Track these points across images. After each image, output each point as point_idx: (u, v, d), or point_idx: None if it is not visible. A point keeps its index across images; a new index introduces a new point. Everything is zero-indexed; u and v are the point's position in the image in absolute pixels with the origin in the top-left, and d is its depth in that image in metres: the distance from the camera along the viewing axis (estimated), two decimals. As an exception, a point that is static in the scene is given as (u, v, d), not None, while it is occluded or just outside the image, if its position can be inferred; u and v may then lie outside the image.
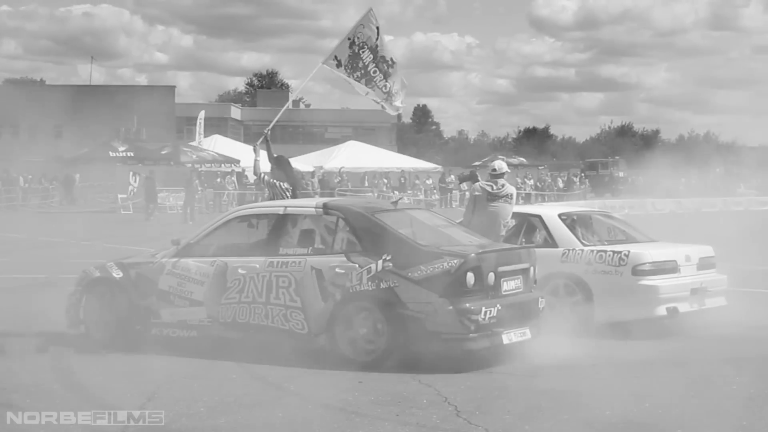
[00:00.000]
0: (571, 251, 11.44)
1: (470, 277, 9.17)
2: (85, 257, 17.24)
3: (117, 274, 10.61)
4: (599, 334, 10.71)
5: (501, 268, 9.53)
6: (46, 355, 9.98)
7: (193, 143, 53.07)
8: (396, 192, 45.70)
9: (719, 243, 12.84)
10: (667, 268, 11.28)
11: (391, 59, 13.19)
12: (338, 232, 9.89)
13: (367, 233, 9.64)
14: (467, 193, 12.48)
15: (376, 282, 9.29)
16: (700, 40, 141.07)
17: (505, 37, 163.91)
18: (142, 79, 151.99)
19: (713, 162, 58.95)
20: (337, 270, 9.49)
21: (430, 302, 9.08)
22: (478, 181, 12.38)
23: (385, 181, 51.10)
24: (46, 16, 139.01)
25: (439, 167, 57.48)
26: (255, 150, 12.66)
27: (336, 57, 13.13)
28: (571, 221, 11.92)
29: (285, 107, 15.08)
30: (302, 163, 48.42)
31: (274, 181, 12.06)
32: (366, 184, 50.48)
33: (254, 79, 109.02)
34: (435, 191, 51.87)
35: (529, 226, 12.04)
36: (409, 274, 9.19)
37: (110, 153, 46.88)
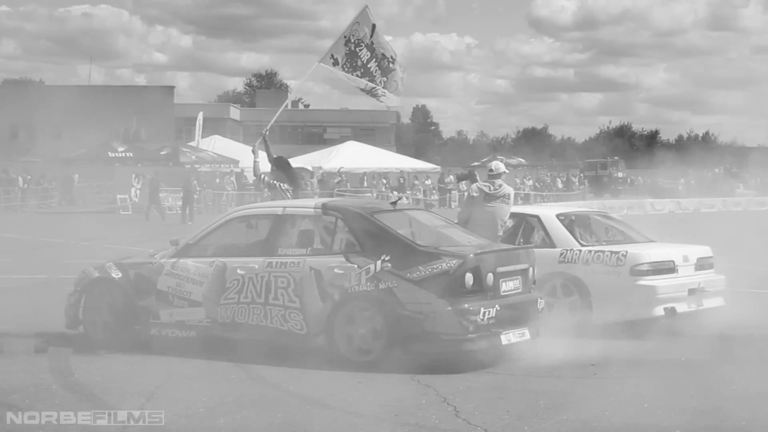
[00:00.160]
0: (569, 252, 11.45)
1: (469, 278, 9.18)
2: (84, 257, 17.24)
3: (116, 274, 10.62)
4: (597, 334, 10.71)
5: (500, 269, 9.54)
6: (45, 356, 9.99)
7: (192, 144, 53.05)
8: (395, 192, 45.69)
9: (718, 243, 12.86)
10: (665, 268, 11.29)
11: (392, 57, 13.17)
12: (337, 232, 9.90)
13: (365, 234, 9.65)
14: (466, 192, 12.49)
15: (374, 282, 9.30)
16: (699, 40, 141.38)
17: (505, 38, 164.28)
18: (141, 80, 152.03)
19: (712, 162, 59.02)
20: (335, 270, 9.50)
21: (428, 303, 9.08)
22: (476, 179, 12.40)
23: (384, 181, 51.10)
24: (45, 17, 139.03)
25: (438, 168, 57.48)
26: (254, 151, 12.67)
27: (332, 56, 13.12)
28: (569, 222, 11.93)
29: (282, 107, 15.08)
30: (301, 163, 48.39)
31: (275, 181, 12.06)
32: (365, 184, 50.47)
33: (253, 79, 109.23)
34: (434, 191, 51.88)
35: (527, 227, 12.05)
36: (408, 274, 9.20)
37: (109, 153, 46.88)
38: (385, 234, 9.57)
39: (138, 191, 42.60)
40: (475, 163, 58.82)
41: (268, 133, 12.75)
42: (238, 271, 9.93)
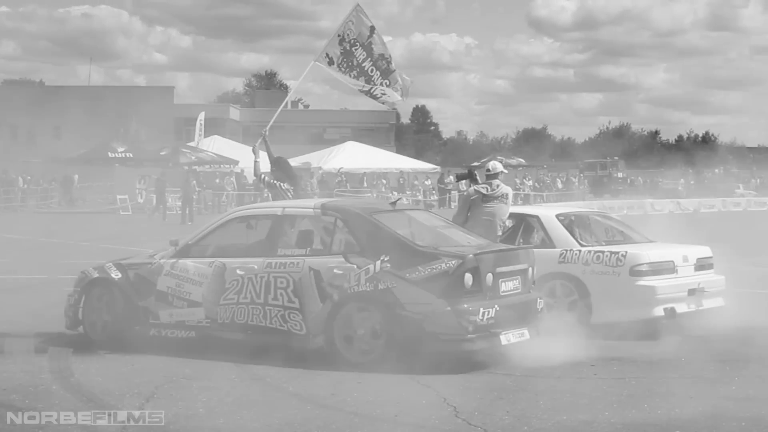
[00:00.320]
0: (568, 252, 11.46)
1: (468, 278, 9.18)
2: (84, 258, 17.25)
3: (115, 274, 10.62)
4: (597, 334, 10.71)
5: (499, 269, 9.54)
6: (45, 356, 9.99)
7: (192, 144, 53.05)
8: (395, 192, 45.71)
9: (717, 243, 12.86)
10: (665, 268, 11.30)
11: (390, 56, 13.17)
12: (336, 232, 9.90)
13: (365, 234, 9.65)
14: (464, 192, 12.49)
15: (374, 283, 9.30)
16: (699, 40, 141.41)
17: (504, 38, 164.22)
18: (140, 80, 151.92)
19: (712, 163, 59.07)
20: (335, 271, 9.50)
21: (428, 303, 9.08)
22: (476, 178, 12.40)
23: (384, 181, 51.13)
24: (45, 17, 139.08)
25: (438, 168, 57.45)
26: (254, 151, 12.68)
27: (327, 54, 13.13)
28: (568, 222, 11.93)
29: (281, 107, 15.08)
30: (301, 163, 48.39)
31: (275, 181, 12.07)
32: (365, 184, 50.50)
33: (253, 79, 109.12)
34: (434, 192, 51.90)
35: (526, 227, 12.06)
36: (407, 275, 9.20)
37: (109, 154, 46.84)
38: (385, 234, 9.57)
39: (143, 192, 42.62)
40: (475, 164, 58.82)
41: (268, 133, 12.76)
42: (238, 271, 9.93)
